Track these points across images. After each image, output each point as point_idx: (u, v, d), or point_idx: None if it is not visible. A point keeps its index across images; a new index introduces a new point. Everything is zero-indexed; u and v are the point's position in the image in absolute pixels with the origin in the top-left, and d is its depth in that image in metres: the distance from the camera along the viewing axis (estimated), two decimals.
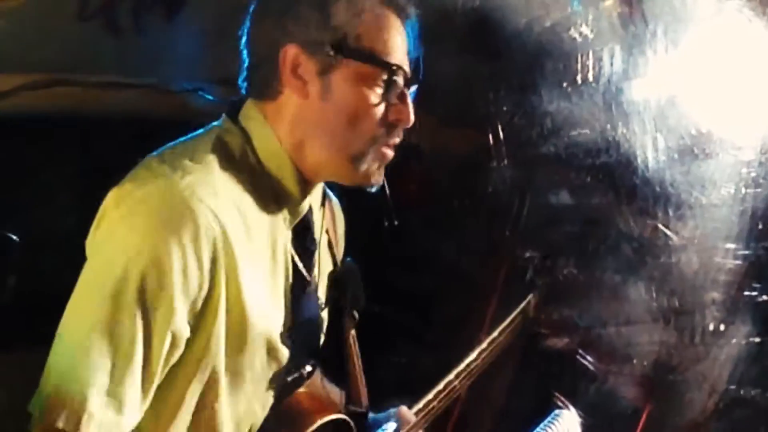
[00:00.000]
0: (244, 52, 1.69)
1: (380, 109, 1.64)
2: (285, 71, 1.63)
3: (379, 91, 1.64)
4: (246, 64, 1.69)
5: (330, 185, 1.86)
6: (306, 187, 1.69)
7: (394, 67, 1.64)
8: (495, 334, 2.40)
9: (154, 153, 1.59)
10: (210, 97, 2.64)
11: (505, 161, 3.00)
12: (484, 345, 2.35)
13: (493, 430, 3.27)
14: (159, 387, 1.52)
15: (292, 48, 1.61)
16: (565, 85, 2.85)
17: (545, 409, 2.51)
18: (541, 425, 2.37)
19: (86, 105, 2.53)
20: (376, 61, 1.63)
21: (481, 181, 3.05)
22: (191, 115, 2.62)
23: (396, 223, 1.79)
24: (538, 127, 2.92)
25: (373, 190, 1.72)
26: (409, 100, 1.68)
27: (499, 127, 2.97)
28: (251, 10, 1.68)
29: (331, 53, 1.61)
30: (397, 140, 1.69)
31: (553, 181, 3.12)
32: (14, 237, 2.41)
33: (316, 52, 1.61)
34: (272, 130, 1.65)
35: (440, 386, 2.18)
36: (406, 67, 1.68)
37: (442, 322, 3.11)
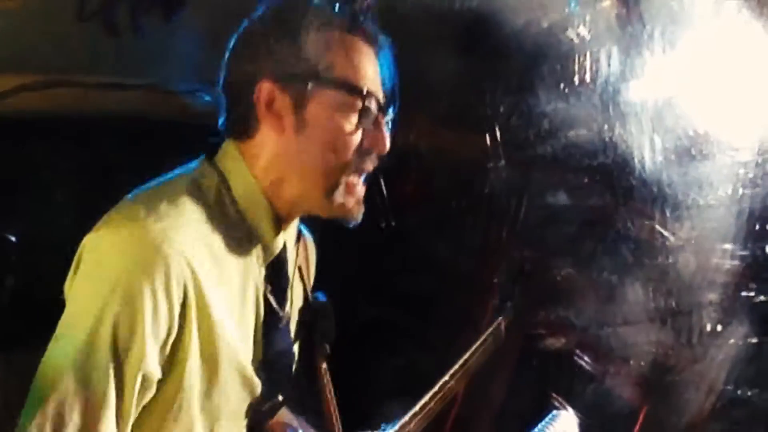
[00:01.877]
0: (222, 93, 1.71)
1: (356, 138, 1.66)
2: (260, 107, 1.65)
3: (354, 119, 1.66)
4: (224, 105, 1.71)
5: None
6: (281, 224, 1.72)
7: (367, 93, 1.66)
8: (466, 356, 2.42)
9: (129, 195, 1.61)
10: (208, 98, 2.64)
11: (503, 162, 3.01)
12: (456, 367, 2.36)
13: (490, 430, 3.27)
14: (134, 426, 1.56)
15: (267, 83, 1.64)
16: (562, 86, 2.85)
17: (543, 409, 2.52)
18: (539, 426, 2.37)
19: (85, 105, 2.54)
20: (348, 87, 1.64)
21: (479, 182, 3.06)
22: (190, 115, 2.62)
23: (393, 224, 1.80)
24: (535, 128, 2.93)
25: (351, 225, 1.74)
26: (384, 127, 1.70)
27: (497, 128, 2.97)
28: (227, 53, 1.71)
29: (304, 85, 1.63)
30: (370, 167, 1.71)
31: (551, 182, 3.12)
32: (12, 237, 2.41)
33: (290, 85, 1.64)
34: (249, 169, 1.68)
35: (416, 408, 2.19)
36: (380, 95, 1.69)
37: (439, 323, 3.11)
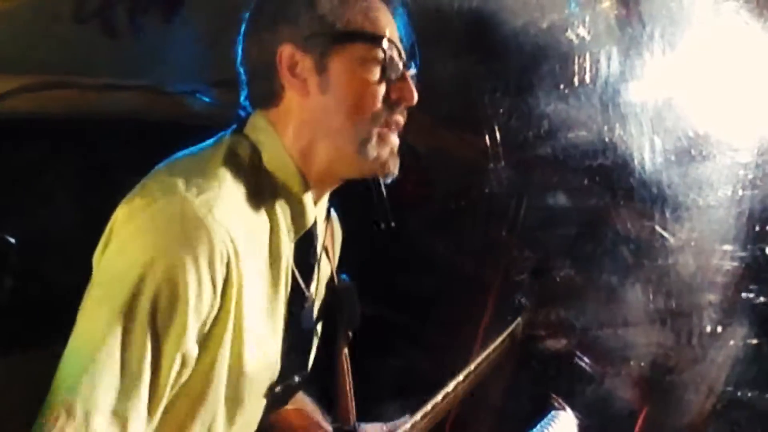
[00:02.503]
0: (241, 68, 1.70)
1: (381, 89, 1.65)
2: (284, 73, 1.63)
3: (378, 71, 1.64)
4: (245, 79, 1.70)
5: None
6: (313, 197, 1.69)
7: (387, 44, 1.64)
8: (483, 356, 2.41)
9: (163, 165, 1.58)
10: (207, 99, 2.64)
11: (502, 163, 3.01)
12: (471, 367, 2.35)
13: (490, 431, 3.27)
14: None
15: (287, 48, 1.63)
16: (562, 86, 2.85)
17: (542, 410, 2.52)
18: (538, 426, 2.38)
19: (83, 107, 2.53)
20: (368, 38, 1.63)
21: (478, 182, 3.06)
22: (188, 117, 2.62)
23: (392, 224, 1.79)
24: (535, 128, 2.93)
25: (388, 180, 1.72)
26: (409, 78, 1.68)
27: (496, 129, 2.97)
28: (243, 26, 1.70)
29: (325, 43, 1.62)
30: (400, 120, 1.69)
31: (550, 183, 3.12)
32: (11, 239, 2.40)
33: (310, 46, 1.62)
34: (280, 139, 1.66)
35: (427, 408, 2.17)
36: (401, 47, 1.68)
37: (439, 324, 3.11)
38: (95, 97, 2.52)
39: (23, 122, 2.42)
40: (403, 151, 1.74)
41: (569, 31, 2.78)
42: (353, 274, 2.02)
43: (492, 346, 2.47)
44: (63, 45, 2.42)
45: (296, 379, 1.79)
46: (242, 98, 1.71)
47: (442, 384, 2.30)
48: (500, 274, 3.22)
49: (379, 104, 1.64)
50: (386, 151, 1.67)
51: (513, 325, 2.61)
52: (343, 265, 2.02)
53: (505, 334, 2.55)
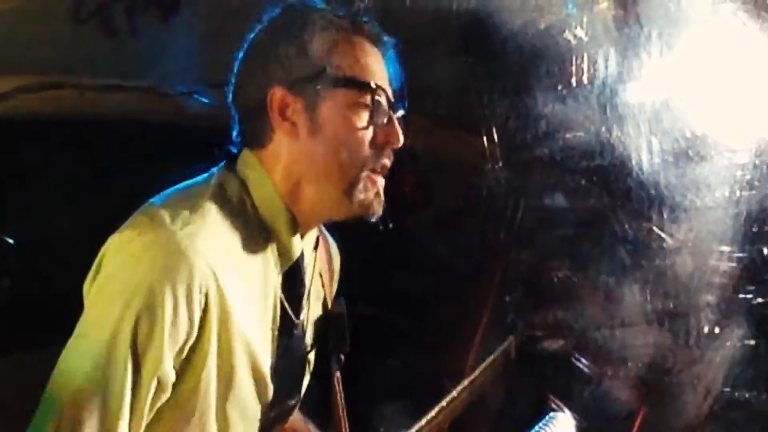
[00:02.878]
0: (233, 107, 1.73)
1: (368, 133, 1.68)
2: (274, 114, 1.67)
3: (365, 115, 1.67)
4: (237, 118, 1.73)
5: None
6: (299, 232, 1.73)
7: (376, 89, 1.67)
8: (476, 373, 2.43)
9: (155, 199, 1.62)
10: (205, 100, 2.64)
11: (500, 164, 3.01)
12: (465, 383, 2.37)
13: None
14: (147, 427, 1.56)
15: (278, 91, 1.66)
16: (559, 87, 2.85)
17: (540, 411, 2.52)
18: (537, 428, 2.38)
19: (82, 107, 2.53)
20: (357, 85, 1.66)
21: (476, 184, 3.06)
22: (187, 118, 2.63)
23: (390, 226, 1.80)
24: (532, 129, 2.93)
25: (373, 220, 1.73)
26: (396, 122, 1.71)
27: (494, 130, 2.98)
28: (235, 65, 1.72)
29: (315, 87, 1.65)
30: (387, 163, 1.72)
31: (548, 184, 3.13)
32: (10, 240, 2.41)
33: (301, 89, 1.65)
34: (268, 177, 1.69)
35: (422, 422, 2.20)
36: (389, 91, 1.71)
37: (437, 325, 3.11)
38: (94, 98, 2.52)
39: (22, 122, 2.42)
40: (403, 153, 1.75)
41: (567, 32, 2.78)
42: (353, 276, 2.03)
43: (484, 365, 2.49)
44: (62, 45, 2.42)
45: (290, 403, 1.83)
46: (233, 135, 1.74)
47: (441, 385, 2.31)
48: (498, 274, 3.23)
49: (366, 149, 1.67)
50: (372, 193, 1.70)
51: (505, 344, 2.63)
52: (342, 267, 2.03)
53: (497, 353, 2.57)
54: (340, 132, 1.66)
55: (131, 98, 2.59)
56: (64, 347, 1.52)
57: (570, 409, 2.56)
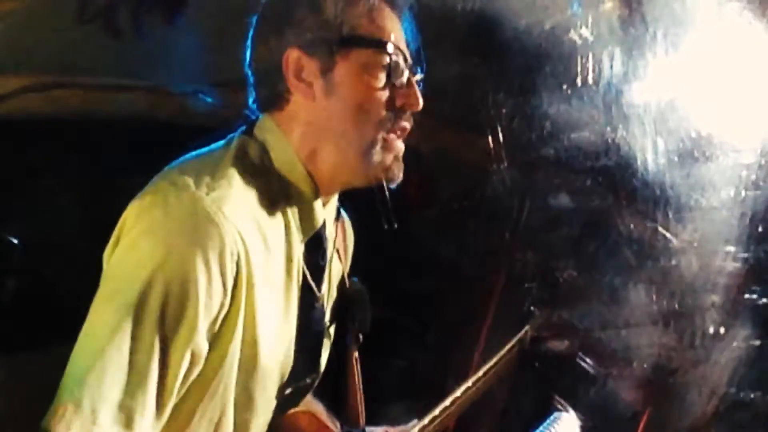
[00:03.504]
0: (249, 71, 1.71)
1: (386, 95, 1.65)
2: (290, 77, 1.64)
3: (383, 76, 1.65)
4: (253, 82, 1.71)
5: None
6: (320, 197, 1.70)
7: (393, 50, 1.65)
8: (491, 362, 2.41)
9: (174, 164, 1.58)
10: (209, 100, 2.64)
11: (505, 164, 3.00)
12: (480, 373, 2.35)
13: None
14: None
15: (293, 52, 1.63)
16: (565, 87, 2.85)
17: (545, 411, 2.52)
18: (541, 428, 2.37)
19: (86, 107, 2.53)
20: (373, 44, 1.64)
21: (481, 183, 3.05)
22: (191, 117, 2.63)
23: (395, 226, 1.79)
24: (538, 129, 2.92)
25: (393, 185, 1.71)
26: (415, 83, 1.69)
27: (499, 130, 2.97)
28: (250, 29, 1.71)
29: (330, 48, 1.62)
30: (406, 126, 1.69)
31: (553, 184, 3.12)
32: (14, 240, 2.41)
33: (316, 50, 1.63)
34: (288, 141, 1.66)
35: (435, 412, 2.17)
36: (406, 52, 1.69)
37: (442, 325, 3.11)
38: (99, 98, 2.52)
39: (26, 122, 2.42)
40: (407, 152, 1.74)
41: (572, 32, 2.78)
42: (357, 275, 2.02)
43: (501, 353, 2.47)
44: (66, 45, 2.42)
45: (307, 380, 1.80)
46: (250, 101, 1.72)
47: (445, 385, 2.30)
48: (503, 275, 3.22)
49: (383, 110, 1.65)
50: (390, 156, 1.68)
51: (522, 332, 2.61)
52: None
53: (514, 341, 2.55)
54: (356, 93, 1.63)
55: (136, 98, 2.59)
56: (69, 347, 1.49)
57: (575, 409, 2.55)
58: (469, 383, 2.30)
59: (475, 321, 3.14)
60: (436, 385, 2.32)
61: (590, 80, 2.82)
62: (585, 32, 2.78)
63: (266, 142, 1.66)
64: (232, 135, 1.69)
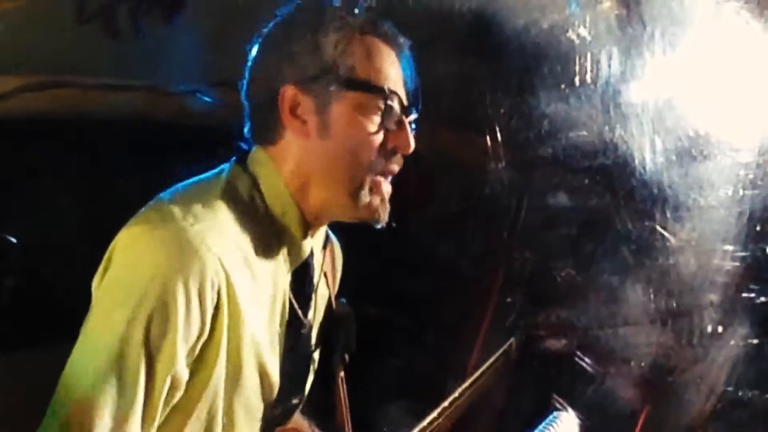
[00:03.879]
0: (245, 101, 1.72)
1: (379, 138, 1.67)
2: (285, 113, 1.65)
3: (377, 119, 1.66)
4: (248, 113, 1.72)
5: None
6: (309, 230, 1.72)
7: (389, 93, 1.66)
8: (477, 374, 2.43)
9: (164, 194, 1.61)
10: (208, 100, 2.64)
11: (503, 163, 3.01)
12: (466, 384, 2.37)
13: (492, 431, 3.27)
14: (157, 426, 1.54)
15: (290, 89, 1.64)
16: (563, 87, 2.85)
17: (544, 410, 2.52)
18: (540, 427, 2.38)
19: (85, 107, 2.53)
20: (369, 87, 1.65)
21: (479, 183, 3.06)
22: (189, 117, 2.63)
23: (393, 225, 1.79)
24: (536, 129, 2.93)
25: (378, 226, 1.73)
26: (408, 127, 1.70)
27: (498, 129, 2.97)
28: (249, 61, 1.71)
29: (327, 88, 1.63)
30: (395, 168, 1.72)
31: (551, 183, 3.12)
32: (12, 239, 2.41)
33: (312, 88, 1.64)
34: (279, 174, 1.68)
35: (424, 423, 2.19)
36: (402, 95, 1.69)
37: (440, 325, 3.11)
38: (97, 97, 2.52)
39: (25, 122, 2.42)
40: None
41: (570, 31, 2.79)
42: (355, 276, 2.03)
43: (483, 367, 2.49)
44: (66, 45, 2.42)
45: (293, 401, 1.83)
46: (245, 131, 1.73)
47: (444, 385, 2.30)
48: (501, 275, 3.22)
49: (375, 153, 1.67)
50: (377, 199, 1.69)
51: (505, 346, 2.63)
52: (343, 267, 2.03)
53: (497, 355, 2.57)
54: (349, 134, 1.65)
55: (134, 98, 2.59)
56: (67, 346, 1.51)
57: (573, 408, 2.56)
58: (456, 394, 2.32)
59: (474, 321, 3.14)
60: (434, 386, 2.33)
61: (588, 80, 2.83)
62: (583, 32, 2.78)
63: (257, 174, 1.68)
64: (223, 166, 1.71)
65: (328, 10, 1.67)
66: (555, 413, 2.48)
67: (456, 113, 2.97)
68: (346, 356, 1.96)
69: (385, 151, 1.68)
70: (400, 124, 1.69)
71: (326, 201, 1.69)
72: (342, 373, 1.96)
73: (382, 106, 1.66)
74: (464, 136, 3.15)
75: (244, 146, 1.73)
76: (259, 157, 1.70)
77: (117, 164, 2.49)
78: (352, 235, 2.03)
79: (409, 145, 1.69)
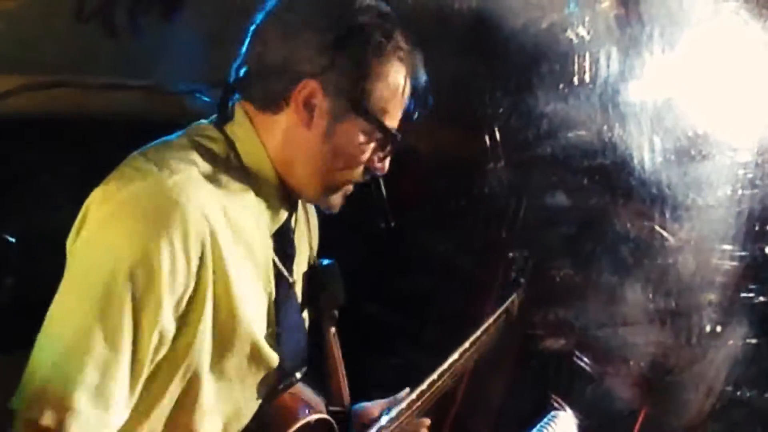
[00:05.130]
0: (249, 53, 1.68)
1: (367, 158, 1.71)
2: (297, 98, 1.65)
3: (374, 146, 1.71)
4: (248, 67, 1.68)
5: None
6: (287, 194, 1.73)
7: (395, 134, 1.71)
8: (477, 333, 2.41)
9: (138, 151, 1.60)
10: (207, 99, 2.64)
11: (502, 162, 3.01)
12: (466, 345, 2.35)
13: (489, 431, 3.27)
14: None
15: (314, 85, 1.64)
16: (561, 86, 2.85)
17: (542, 410, 2.52)
18: (538, 426, 2.38)
19: (84, 106, 2.53)
20: (383, 127, 1.69)
21: (478, 182, 3.06)
22: (189, 116, 2.62)
23: (392, 224, 1.80)
24: (534, 128, 2.93)
25: (328, 212, 1.81)
26: (390, 155, 1.76)
27: (496, 129, 2.98)
28: (271, 13, 1.68)
29: (349, 107, 1.65)
30: (365, 179, 1.78)
31: (550, 183, 3.12)
32: (12, 238, 2.40)
33: (334, 97, 1.65)
34: (258, 137, 1.68)
35: (423, 386, 2.18)
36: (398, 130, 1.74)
37: (438, 323, 3.10)
38: (96, 97, 2.52)
39: (24, 121, 2.42)
40: (405, 150, 1.76)
41: (569, 30, 2.79)
42: (354, 273, 2.02)
43: (487, 323, 2.46)
44: (64, 44, 2.42)
45: (297, 376, 1.81)
46: (233, 76, 1.70)
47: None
48: (499, 273, 3.22)
49: (360, 168, 1.73)
50: (340, 198, 1.78)
51: (507, 302, 2.61)
52: (342, 264, 2.03)
53: (499, 311, 2.55)
54: (347, 149, 1.68)
55: (133, 97, 2.59)
56: (41, 332, 1.50)
57: (571, 407, 2.56)
58: (455, 356, 2.30)
59: (471, 319, 3.14)
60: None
61: (587, 79, 2.83)
62: (582, 31, 2.79)
63: (234, 135, 1.67)
64: (198, 122, 1.70)
65: (383, 40, 1.66)
66: (553, 413, 2.48)
67: (455, 112, 2.97)
68: (336, 312, 1.96)
69: (365, 168, 1.73)
70: (387, 152, 1.74)
71: (301, 183, 1.71)
72: (333, 330, 1.96)
73: (385, 142, 1.71)
74: (463, 135, 3.15)
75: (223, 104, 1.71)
76: (239, 118, 1.68)
77: (116, 163, 2.49)
78: (351, 235, 2.04)
79: (384, 170, 1.77)
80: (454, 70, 2.75)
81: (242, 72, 1.69)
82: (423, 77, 1.74)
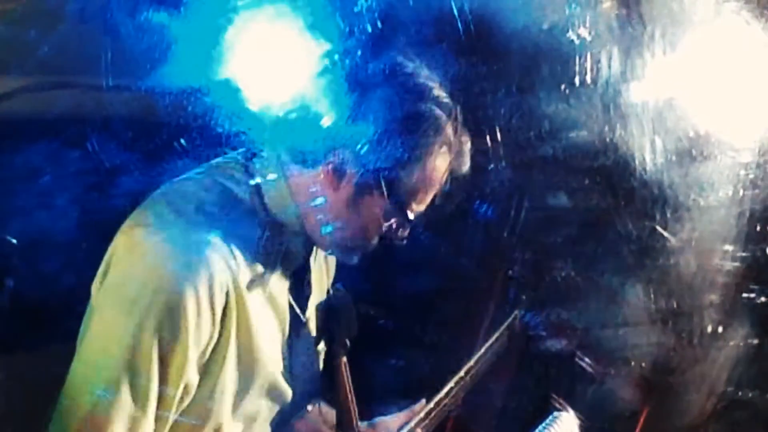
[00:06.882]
0: (299, 106, 1.70)
1: (384, 230, 1.76)
2: (331, 162, 1.66)
3: (394, 219, 1.75)
4: (302, 121, 1.69)
5: None
6: (308, 237, 1.73)
7: (411, 221, 1.77)
8: (482, 351, 2.42)
9: (159, 192, 1.58)
10: (208, 100, 2.64)
11: (503, 163, 3.00)
12: (471, 363, 2.37)
13: None
14: None
15: (349, 153, 1.67)
16: (563, 87, 2.85)
17: (543, 411, 2.52)
18: (540, 427, 2.38)
19: (84, 107, 2.53)
20: (404, 212, 1.75)
21: (479, 183, 3.05)
22: (190, 117, 2.62)
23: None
24: (535, 129, 2.92)
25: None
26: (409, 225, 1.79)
27: (497, 129, 2.97)
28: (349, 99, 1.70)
29: (373, 184, 1.69)
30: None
31: (551, 184, 3.12)
32: (12, 240, 2.40)
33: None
34: (288, 188, 1.68)
35: (431, 405, 2.19)
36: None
37: (439, 325, 3.10)
38: (96, 97, 2.52)
39: (24, 122, 2.42)
40: None
41: (570, 31, 2.78)
42: (353, 276, 2.02)
43: (490, 341, 2.48)
44: (64, 45, 2.42)
45: (308, 408, 1.82)
46: (281, 123, 1.71)
47: (442, 387, 2.30)
48: (500, 275, 3.22)
49: (376, 239, 1.78)
50: (357, 255, 1.84)
51: (509, 320, 2.62)
52: (342, 264, 2.03)
53: (502, 329, 2.56)
54: (367, 220, 1.72)
55: (134, 98, 2.59)
56: (67, 347, 1.49)
57: (573, 408, 2.55)
58: (461, 373, 2.31)
59: (473, 321, 3.14)
60: (432, 386, 2.32)
61: (588, 80, 2.82)
62: (583, 32, 2.78)
63: (264, 181, 1.69)
64: (215, 161, 1.69)
65: (439, 122, 1.70)
66: (555, 413, 2.48)
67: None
68: (347, 342, 1.96)
69: (384, 233, 1.77)
70: (405, 225, 1.77)
71: (318, 237, 1.74)
72: (344, 359, 1.97)
73: (404, 223, 1.76)
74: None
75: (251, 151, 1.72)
76: (272, 166, 1.70)
77: (117, 165, 2.49)
78: None
79: (403, 240, 1.82)
80: (455, 71, 2.74)
81: (296, 122, 1.70)
82: (466, 165, 1.73)
